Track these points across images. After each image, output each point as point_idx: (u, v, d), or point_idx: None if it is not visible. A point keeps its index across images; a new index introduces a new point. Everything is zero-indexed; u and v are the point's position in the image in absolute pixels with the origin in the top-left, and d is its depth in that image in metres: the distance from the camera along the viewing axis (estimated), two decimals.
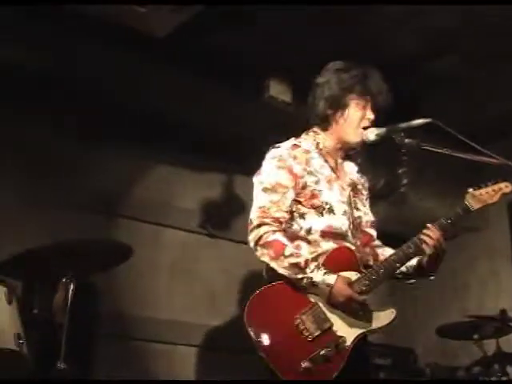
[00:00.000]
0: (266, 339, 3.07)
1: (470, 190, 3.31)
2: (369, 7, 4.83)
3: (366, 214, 3.58)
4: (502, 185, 3.31)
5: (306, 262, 3.16)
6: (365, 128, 3.43)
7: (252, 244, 3.26)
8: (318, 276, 3.13)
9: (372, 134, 3.38)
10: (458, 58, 5.53)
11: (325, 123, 3.49)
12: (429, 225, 3.26)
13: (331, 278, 3.13)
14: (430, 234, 3.24)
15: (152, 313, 5.83)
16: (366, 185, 3.69)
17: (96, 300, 5.28)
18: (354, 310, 3.15)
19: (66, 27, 4.78)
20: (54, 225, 5.24)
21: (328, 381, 3.06)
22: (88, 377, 4.84)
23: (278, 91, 5.53)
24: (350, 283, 3.17)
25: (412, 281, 3.54)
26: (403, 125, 3.29)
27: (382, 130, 3.36)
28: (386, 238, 6.79)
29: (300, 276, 3.14)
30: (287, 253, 3.17)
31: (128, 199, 5.97)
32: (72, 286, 3.91)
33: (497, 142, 5.14)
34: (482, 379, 5.36)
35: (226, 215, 6.28)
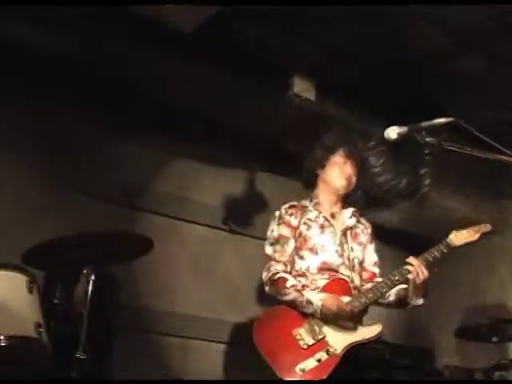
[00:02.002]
0: (268, 346, 3.76)
1: (454, 231, 3.90)
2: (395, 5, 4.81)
3: (368, 255, 4.21)
4: (482, 225, 3.94)
5: (303, 287, 3.93)
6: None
7: (264, 281, 4.07)
8: (313, 295, 3.85)
9: (393, 133, 3.35)
10: (484, 58, 5.49)
11: (313, 178, 4.31)
12: (412, 257, 3.83)
13: (322, 295, 3.85)
14: (413, 264, 3.81)
15: (171, 307, 5.84)
16: (369, 230, 4.31)
17: (116, 292, 5.30)
18: (344, 319, 3.80)
19: (96, 20, 4.81)
20: (77, 216, 5.27)
21: (329, 380, 3.64)
22: (106, 367, 4.87)
23: (302, 89, 5.51)
24: (339, 299, 3.83)
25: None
26: (425, 124, 3.25)
27: (403, 129, 3.33)
28: (409, 238, 6.79)
29: (300, 299, 3.85)
30: (289, 284, 3.93)
31: (150, 192, 5.98)
32: (93, 277, 3.94)
33: None
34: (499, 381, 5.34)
35: (248, 211, 6.28)
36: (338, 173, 4.18)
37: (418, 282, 3.79)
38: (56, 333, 4.13)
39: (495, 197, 6.81)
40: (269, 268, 4.05)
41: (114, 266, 4.62)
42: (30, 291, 3.73)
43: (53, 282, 4.71)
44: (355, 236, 4.20)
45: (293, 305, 3.90)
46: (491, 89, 5.80)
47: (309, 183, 4.36)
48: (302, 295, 3.85)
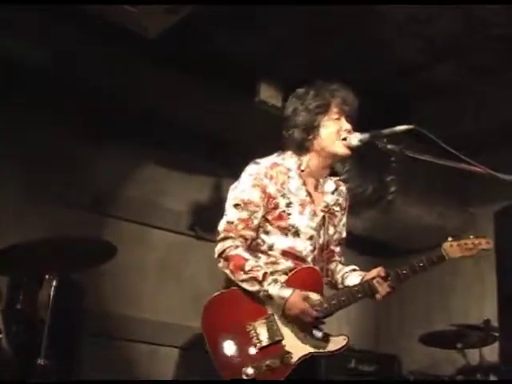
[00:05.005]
0: (215, 338, 3.22)
1: (450, 239, 3.32)
2: (369, 12, 4.83)
3: (336, 233, 3.61)
4: (483, 240, 3.34)
5: (264, 276, 3.24)
6: (344, 139, 3.43)
7: (216, 255, 3.37)
8: (274, 289, 3.21)
9: (355, 139, 3.38)
10: (456, 66, 5.55)
11: (304, 147, 3.50)
12: (380, 270, 3.32)
13: (286, 292, 3.21)
14: (380, 281, 3.28)
15: (136, 313, 5.84)
16: (345, 204, 3.67)
17: (80, 298, 5.26)
18: (308, 324, 3.22)
19: (66, 26, 4.81)
20: (46, 221, 5.28)
21: (326, 381, 3.38)
22: (69, 374, 4.83)
23: (268, 95, 5.54)
24: (306, 298, 3.22)
25: None
26: (386, 131, 3.25)
27: (365, 136, 3.35)
28: (374, 245, 6.81)
29: (257, 288, 3.23)
30: (247, 268, 3.25)
31: (117, 199, 5.98)
32: (55, 283, 3.91)
33: (490, 151, 5.17)
34: None
35: (215, 217, 6.26)
36: (333, 139, 3.44)
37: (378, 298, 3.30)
38: (18, 339, 4.10)
39: (461, 204, 6.86)
40: (224, 238, 3.36)
41: (77, 271, 4.60)
42: None
43: (16, 287, 4.68)
44: (333, 214, 3.55)
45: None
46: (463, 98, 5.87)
47: (295, 148, 3.51)
48: (261, 285, 3.22)
